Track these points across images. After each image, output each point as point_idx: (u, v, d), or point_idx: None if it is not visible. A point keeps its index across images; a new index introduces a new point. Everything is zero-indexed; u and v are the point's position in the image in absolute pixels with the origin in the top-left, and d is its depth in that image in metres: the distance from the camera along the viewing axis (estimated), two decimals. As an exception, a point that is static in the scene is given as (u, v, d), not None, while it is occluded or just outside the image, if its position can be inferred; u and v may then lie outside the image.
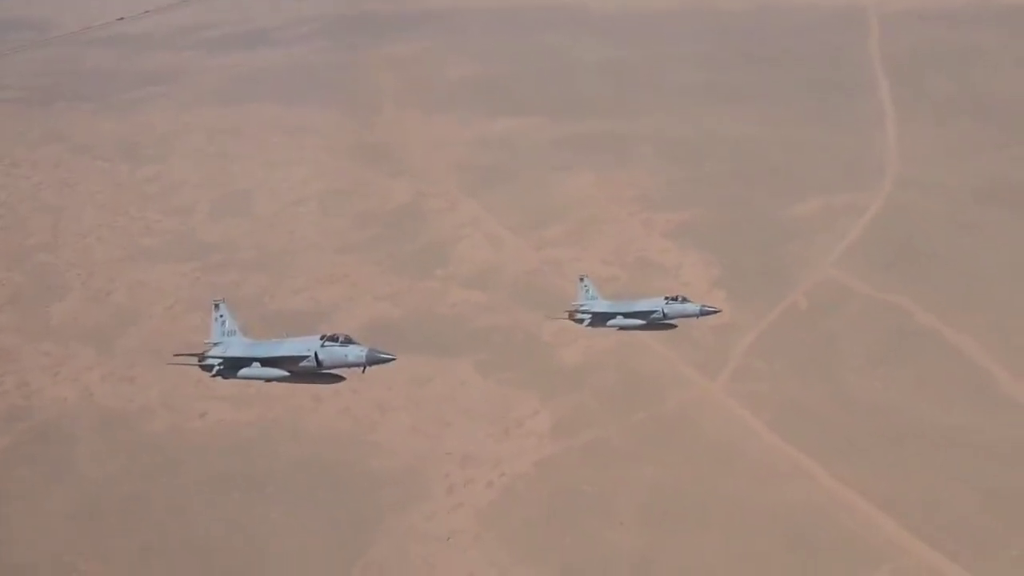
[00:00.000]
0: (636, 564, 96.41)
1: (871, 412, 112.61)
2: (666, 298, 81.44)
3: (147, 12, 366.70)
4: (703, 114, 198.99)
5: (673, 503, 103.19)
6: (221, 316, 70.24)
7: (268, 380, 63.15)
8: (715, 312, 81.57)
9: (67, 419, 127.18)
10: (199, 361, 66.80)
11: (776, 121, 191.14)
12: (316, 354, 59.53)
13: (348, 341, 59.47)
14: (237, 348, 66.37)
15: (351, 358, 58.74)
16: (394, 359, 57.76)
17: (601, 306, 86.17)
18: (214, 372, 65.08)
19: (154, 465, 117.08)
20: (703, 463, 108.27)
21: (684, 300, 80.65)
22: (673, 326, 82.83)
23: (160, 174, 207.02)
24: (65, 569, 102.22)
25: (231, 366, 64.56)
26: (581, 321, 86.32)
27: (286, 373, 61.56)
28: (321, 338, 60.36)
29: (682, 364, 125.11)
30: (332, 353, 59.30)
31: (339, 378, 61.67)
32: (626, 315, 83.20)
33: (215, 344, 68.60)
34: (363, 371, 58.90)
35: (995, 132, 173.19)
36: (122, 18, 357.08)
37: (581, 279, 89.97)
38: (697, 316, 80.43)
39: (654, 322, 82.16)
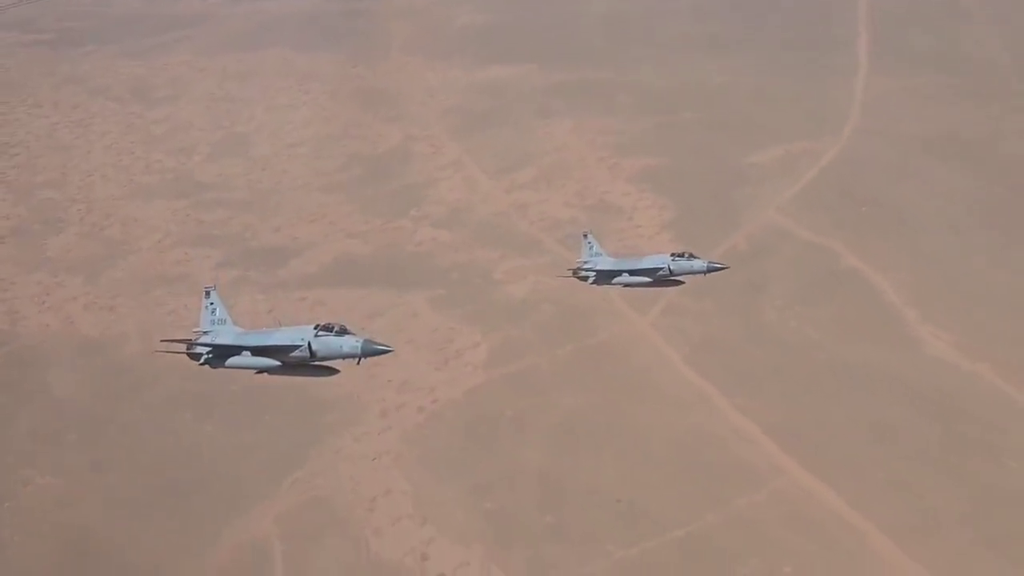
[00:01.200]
0: (540, 482, 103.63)
1: (782, 348, 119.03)
2: (672, 255, 79.50)
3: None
4: (686, 64, 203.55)
5: (583, 428, 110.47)
6: (212, 304, 67.86)
7: (258, 371, 61.71)
8: (723, 268, 78.59)
9: (47, 344, 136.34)
10: (187, 349, 65.37)
11: (754, 71, 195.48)
12: (309, 344, 57.97)
13: (343, 331, 57.60)
14: (227, 336, 64.80)
15: (346, 349, 57.11)
16: (391, 351, 56.85)
17: (606, 263, 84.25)
18: (202, 360, 63.73)
19: (118, 388, 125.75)
20: (618, 391, 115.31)
21: (691, 257, 78.46)
22: (680, 283, 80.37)
23: (169, 116, 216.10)
24: (21, 481, 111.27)
25: (220, 355, 63.16)
26: (586, 279, 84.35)
27: (277, 363, 60.18)
28: (315, 327, 58.61)
29: (619, 300, 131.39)
30: (326, 343, 57.67)
31: (333, 370, 60.41)
32: (631, 272, 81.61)
33: (204, 333, 66.82)
34: (358, 363, 57.53)
35: (959, 87, 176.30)
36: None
37: (585, 235, 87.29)
38: (704, 273, 77.95)
39: (660, 279, 79.96)
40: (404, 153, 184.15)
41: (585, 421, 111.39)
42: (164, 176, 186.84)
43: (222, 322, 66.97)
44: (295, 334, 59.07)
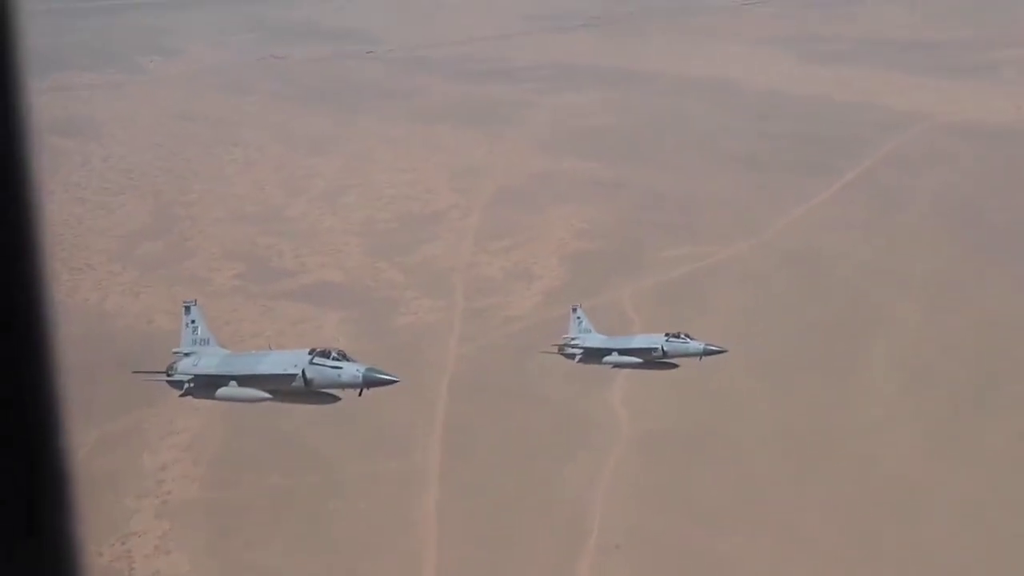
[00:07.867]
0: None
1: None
2: (667, 335, 77.59)
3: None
4: (695, 172, 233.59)
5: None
6: (193, 321, 61.97)
7: (249, 402, 57.34)
8: (720, 352, 77.05)
9: (76, 315, 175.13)
10: (167, 376, 60.82)
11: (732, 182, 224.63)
12: (304, 372, 53.55)
13: (342, 357, 53.71)
14: (211, 360, 59.56)
15: (345, 378, 53.06)
16: (397, 381, 52.98)
17: (595, 340, 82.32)
18: (183, 391, 59.54)
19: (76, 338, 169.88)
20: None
21: (687, 338, 76.58)
22: (674, 366, 79.29)
23: (316, 165, 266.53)
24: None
25: (204, 384, 58.40)
26: (572, 356, 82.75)
27: (269, 396, 55.85)
28: (310, 353, 54.57)
29: (461, 324, 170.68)
30: (322, 372, 53.37)
31: (333, 398, 56.52)
32: (621, 352, 79.93)
33: (185, 355, 61.03)
34: (359, 393, 53.87)
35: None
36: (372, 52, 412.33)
37: (574, 310, 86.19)
38: (700, 356, 76.36)
39: (653, 360, 78.69)
40: (440, 216, 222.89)
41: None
42: (264, 207, 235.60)
43: (204, 342, 61.66)
44: (287, 359, 55.61)
